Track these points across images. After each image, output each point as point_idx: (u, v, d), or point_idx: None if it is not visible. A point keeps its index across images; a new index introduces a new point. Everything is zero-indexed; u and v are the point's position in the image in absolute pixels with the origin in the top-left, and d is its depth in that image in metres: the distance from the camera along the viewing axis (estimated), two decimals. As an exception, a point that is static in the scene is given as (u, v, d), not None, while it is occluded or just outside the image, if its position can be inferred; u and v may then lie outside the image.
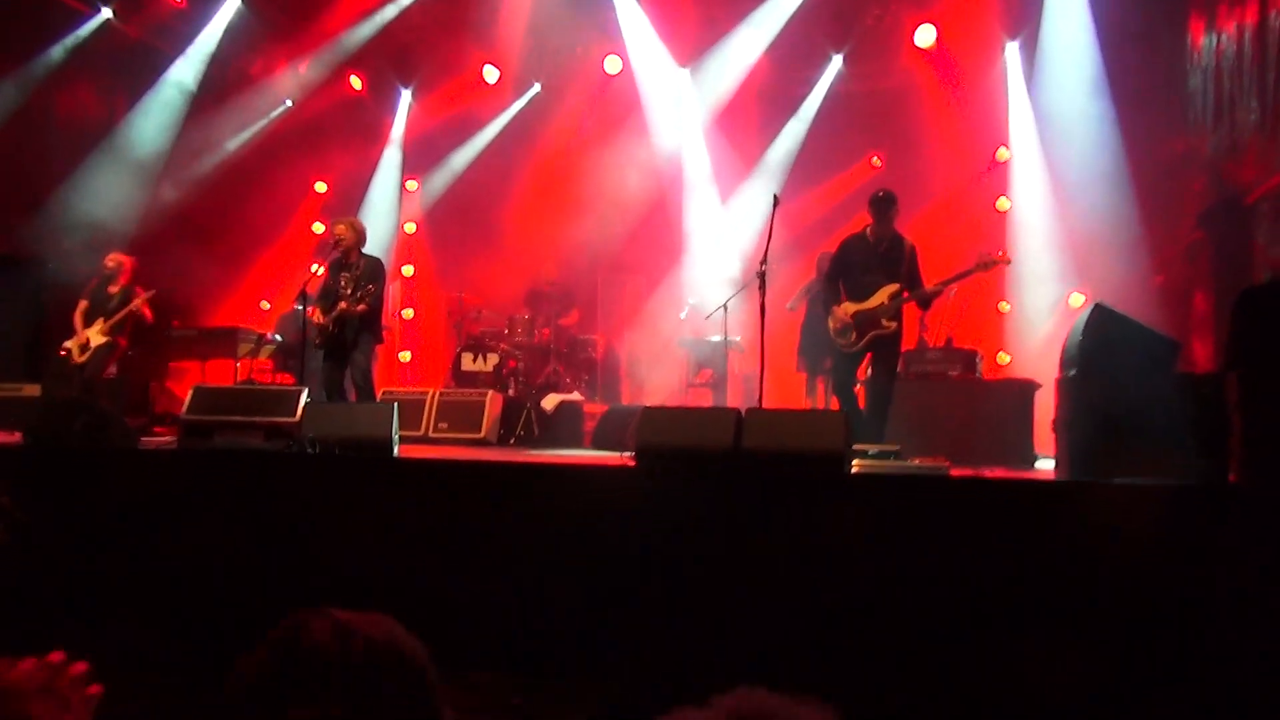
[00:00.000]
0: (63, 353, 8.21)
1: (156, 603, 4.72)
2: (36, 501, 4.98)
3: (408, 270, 12.38)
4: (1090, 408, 4.34)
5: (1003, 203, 10.42)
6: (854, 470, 4.65)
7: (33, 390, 7.94)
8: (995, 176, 10.48)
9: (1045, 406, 6.47)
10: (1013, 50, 10.21)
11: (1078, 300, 9.50)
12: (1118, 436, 4.17)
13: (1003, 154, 10.43)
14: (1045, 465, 6.32)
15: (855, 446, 4.80)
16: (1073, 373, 4.51)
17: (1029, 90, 10.08)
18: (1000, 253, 6.43)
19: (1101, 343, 4.39)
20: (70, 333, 8.27)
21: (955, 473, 4.78)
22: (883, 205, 6.31)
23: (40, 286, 9.11)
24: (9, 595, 4.74)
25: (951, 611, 3.94)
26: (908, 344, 8.45)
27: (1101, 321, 4.45)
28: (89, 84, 10.76)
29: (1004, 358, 9.89)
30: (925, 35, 9.93)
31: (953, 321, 8.47)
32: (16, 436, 5.83)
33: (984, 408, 6.78)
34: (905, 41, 10.15)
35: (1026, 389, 6.87)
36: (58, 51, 10.08)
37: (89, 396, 7.71)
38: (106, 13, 10.42)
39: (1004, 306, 10.26)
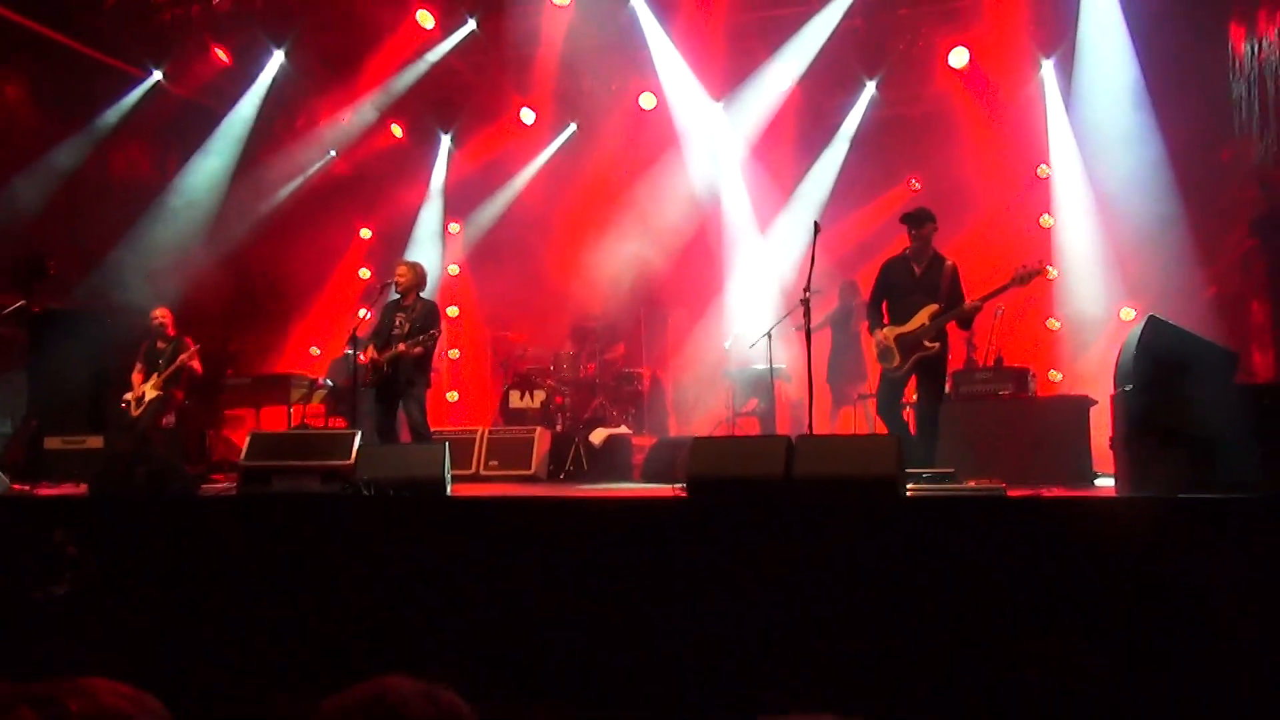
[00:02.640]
0: (122, 405, 8.44)
1: (221, 646, 4.78)
2: (102, 550, 5.10)
3: (452, 311, 12.55)
4: (1149, 422, 4.26)
5: (1046, 220, 10.33)
6: (908, 495, 4.60)
7: (96, 442, 8.14)
8: (1037, 193, 10.40)
9: (1101, 423, 6.37)
10: (1048, 68, 10.16)
11: (1129, 314, 9.36)
12: (1179, 451, 4.08)
13: (1043, 171, 10.36)
14: (1105, 483, 6.20)
15: (908, 470, 4.74)
16: (1129, 387, 4.43)
17: (1067, 106, 10.02)
18: (1038, 263, 6.28)
19: (1157, 356, 4.32)
20: (129, 386, 8.50)
21: (1012, 493, 4.71)
22: (915, 220, 6.31)
23: (100, 341, 9.35)
24: (76, 642, 4.85)
25: (1016, 636, 3.86)
26: (956, 364, 8.39)
27: (1156, 334, 4.38)
28: (141, 144, 11.16)
29: (1055, 375, 9.76)
30: (959, 57, 9.91)
31: (1001, 340, 8.37)
32: (83, 488, 5.98)
33: (1039, 427, 6.66)
34: (939, 64, 10.14)
35: (1081, 405, 6.75)
36: (112, 114, 10.46)
37: (147, 447, 7.90)
38: (157, 75, 10.80)
39: (1053, 324, 10.13)
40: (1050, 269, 10.12)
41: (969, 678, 3.87)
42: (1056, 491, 5.31)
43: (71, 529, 5.13)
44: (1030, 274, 6.14)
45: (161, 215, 10.76)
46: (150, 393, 8.37)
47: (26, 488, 6.56)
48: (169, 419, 8.60)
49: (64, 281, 9.63)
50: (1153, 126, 9.10)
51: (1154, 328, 4.43)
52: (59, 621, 4.95)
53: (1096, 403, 6.74)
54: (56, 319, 9.41)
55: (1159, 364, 4.31)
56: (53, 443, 8.29)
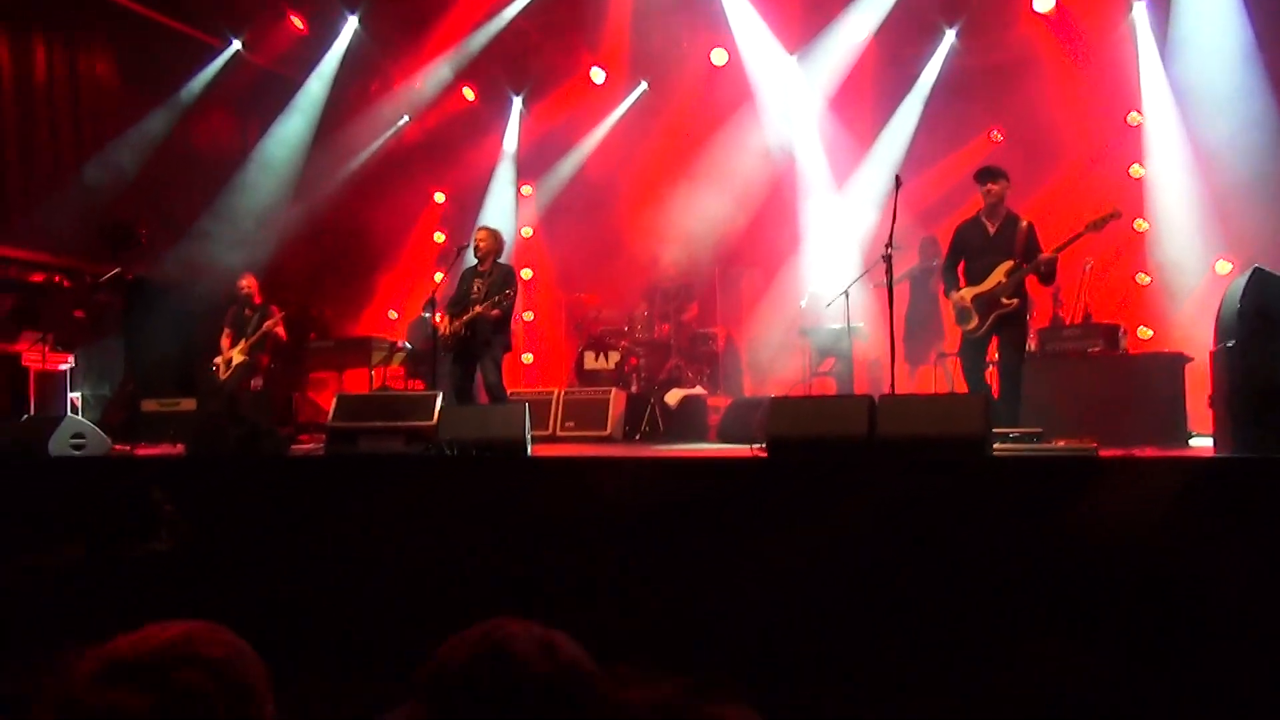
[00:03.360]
0: (211, 369, 8.71)
1: (313, 603, 4.94)
2: (198, 509, 5.30)
3: (526, 274, 12.61)
4: (1252, 379, 4.08)
5: (1136, 169, 9.91)
6: (995, 454, 4.49)
7: (189, 404, 8.45)
8: (1127, 142, 9.98)
9: (1196, 381, 6.14)
10: (1140, 9, 9.70)
11: (1225, 268, 8.96)
12: (1284, 409, 3.91)
13: (1134, 118, 9.92)
14: (1200, 443, 5.99)
15: (995, 430, 4.64)
16: (1231, 343, 4.24)
17: (1161, 50, 9.55)
18: (1110, 207, 6.06)
19: (1262, 309, 4.13)
20: (218, 350, 8.77)
21: (1104, 453, 4.57)
22: (989, 175, 6.21)
23: (189, 307, 9.67)
24: (174, 599, 5.05)
25: (1111, 600, 3.77)
26: (1041, 321, 8.16)
27: (1261, 287, 4.18)
28: (223, 113, 11.42)
29: (1145, 332, 9.42)
30: (1044, 1, 9.52)
31: (1090, 296, 8.09)
32: (179, 448, 6.21)
33: (1130, 385, 6.43)
34: (1023, 9, 9.75)
35: (1176, 363, 6.50)
36: (195, 85, 10.70)
37: (236, 409, 8.16)
38: (236, 44, 11.00)
39: (1143, 278, 9.76)
40: (1140, 221, 9.78)
41: (1061, 640, 3.80)
42: (1150, 452, 5.15)
43: (167, 488, 5.34)
44: (1104, 219, 5.98)
45: (243, 183, 11.01)
46: (237, 357, 8.62)
47: (126, 448, 6.83)
48: (256, 382, 8.86)
49: (154, 249, 9.94)
50: (1256, 69, 8.64)
51: (1259, 280, 4.22)
52: (158, 577, 5.16)
53: (1192, 359, 6.50)
54: (148, 286, 9.76)
55: (1264, 318, 4.11)
56: (149, 405, 8.63)
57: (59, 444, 5.92)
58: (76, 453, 5.98)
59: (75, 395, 9.31)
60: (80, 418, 7.18)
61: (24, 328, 8.83)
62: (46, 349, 8.53)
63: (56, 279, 9.83)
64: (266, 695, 1.26)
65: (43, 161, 9.80)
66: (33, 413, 8.34)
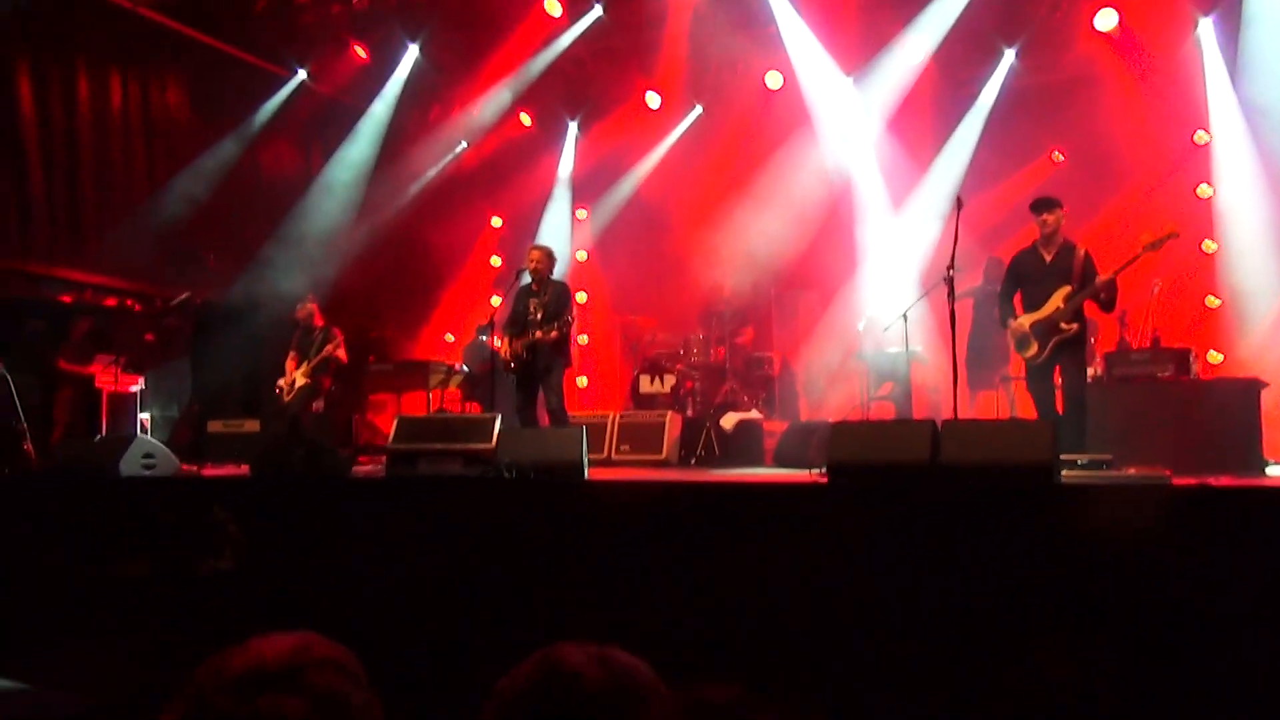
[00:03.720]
0: (276, 391, 8.88)
1: (372, 623, 4.99)
2: (263, 528, 5.39)
3: (581, 297, 12.69)
4: (1335, 407, 3.93)
5: (1204, 189, 9.68)
6: (1064, 481, 4.38)
7: (253, 426, 8.62)
8: (1194, 162, 9.75)
9: (1271, 408, 5.95)
10: (1206, 26, 9.49)
11: (1300, 290, 8.69)
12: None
13: (1201, 137, 9.70)
14: (1278, 471, 5.79)
15: (1063, 456, 4.53)
16: (1311, 369, 4.10)
17: (1229, 68, 9.33)
18: (1166, 227, 5.93)
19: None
20: (283, 373, 8.94)
21: (1178, 481, 4.43)
22: (1039, 207, 6.20)
23: (254, 330, 9.90)
24: (239, 616, 5.14)
25: (1188, 632, 3.64)
26: (1108, 345, 7.97)
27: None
28: (288, 141, 11.74)
29: (1215, 356, 9.16)
30: (1106, 19, 9.38)
31: (1158, 319, 7.89)
32: (244, 468, 6.33)
33: (1203, 411, 6.23)
34: (1084, 27, 9.62)
35: (1251, 389, 6.29)
36: (262, 114, 11.02)
37: (299, 431, 8.30)
38: (302, 74, 11.31)
39: (1213, 301, 9.51)
40: (1209, 242, 9.54)
41: (1133, 673, 3.68)
42: (1226, 481, 4.98)
43: (232, 508, 5.44)
44: (1161, 240, 5.88)
45: (307, 209, 11.28)
46: (300, 380, 8.77)
47: (194, 468, 6.99)
48: (318, 404, 9.01)
49: (221, 274, 10.22)
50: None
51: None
52: (223, 594, 5.26)
53: (1268, 385, 6.29)
54: (215, 310, 10.02)
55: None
56: (214, 426, 8.82)
57: (130, 464, 6.08)
58: (147, 472, 6.14)
59: (145, 416, 9.57)
60: (150, 438, 7.36)
61: (97, 350, 9.12)
62: (118, 371, 8.79)
63: (128, 303, 10.15)
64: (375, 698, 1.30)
65: (116, 189, 10.15)
66: (105, 432, 8.59)
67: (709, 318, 9.89)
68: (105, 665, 4.95)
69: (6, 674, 4.77)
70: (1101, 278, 5.95)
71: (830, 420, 7.41)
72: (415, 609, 4.89)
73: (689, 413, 9.11)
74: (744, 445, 8.38)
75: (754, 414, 8.86)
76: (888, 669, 4.04)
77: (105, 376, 8.92)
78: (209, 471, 6.89)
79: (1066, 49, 10.06)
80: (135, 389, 9.29)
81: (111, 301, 10.18)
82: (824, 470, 4.65)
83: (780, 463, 7.45)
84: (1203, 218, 9.59)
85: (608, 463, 8.20)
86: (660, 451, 8.20)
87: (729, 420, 8.48)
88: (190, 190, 10.33)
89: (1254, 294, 9.11)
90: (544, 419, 7.34)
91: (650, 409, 9.03)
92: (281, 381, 8.85)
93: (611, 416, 8.63)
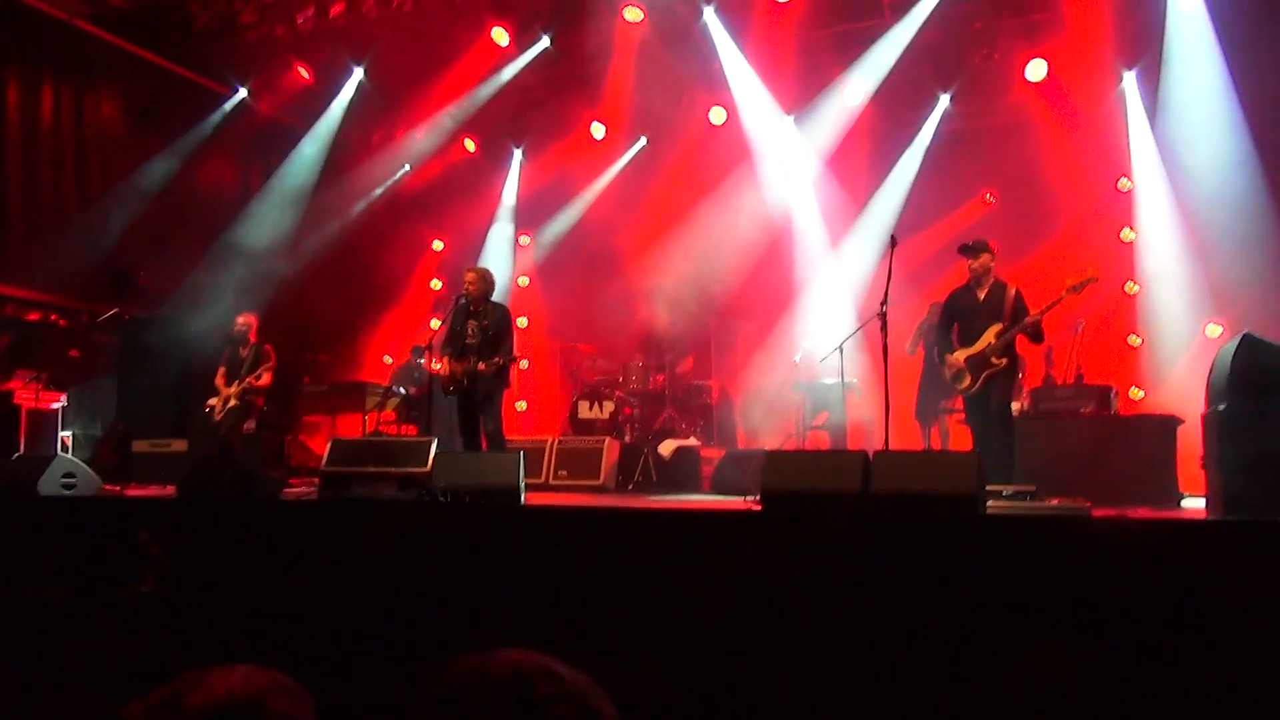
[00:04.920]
0: (206, 409, 8.66)
1: (301, 647, 4.89)
2: (188, 551, 5.26)
3: (522, 322, 12.68)
4: (1243, 442, 4.12)
5: (1127, 233, 10.08)
6: (989, 512, 4.51)
7: (180, 445, 8.40)
8: (1118, 207, 10.16)
9: (1188, 443, 6.18)
10: (1130, 79, 9.93)
11: (1215, 331, 9.07)
12: (1274, 472, 3.95)
13: (1124, 184, 10.12)
14: (1191, 504, 6.01)
15: (989, 487, 4.65)
16: (1222, 406, 4.29)
17: (1150, 118, 9.77)
18: (1087, 271, 6.25)
19: (1252, 374, 4.18)
20: (213, 391, 8.72)
21: (1097, 513, 4.59)
22: (971, 251, 6.55)
23: (184, 348, 9.67)
24: (159, 642, 5.00)
25: (1102, 662, 3.76)
26: (1034, 381, 8.22)
27: (1251, 351, 4.24)
28: (227, 159, 11.56)
29: (1137, 393, 9.50)
30: (1036, 70, 9.74)
31: (1082, 357, 8.17)
32: (169, 489, 6.18)
33: (1123, 446, 6.48)
34: (1015, 77, 9.97)
35: (1168, 425, 6.55)
36: (200, 131, 10.86)
37: (231, 452, 8.13)
38: (243, 92, 11.18)
39: (1134, 340, 9.87)
40: (1131, 284, 9.92)
41: (1051, 702, 3.78)
42: (1143, 513, 5.17)
43: (157, 530, 5.30)
44: (1082, 283, 6.22)
45: (244, 228, 11.10)
46: (232, 400, 8.58)
47: (117, 488, 6.79)
48: (249, 424, 8.83)
49: (153, 291, 9.99)
50: (1244, 141, 8.84)
51: (1250, 346, 4.28)
52: (144, 618, 5.11)
53: (1183, 421, 6.54)
54: (145, 327, 9.77)
55: (1255, 383, 4.17)
56: (140, 445, 8.59)
57: (49, 483, 5.90)
58: (67, 492, 5.96)
59: (66, 434, 9.28)
60: (71, 457, 7.15)
61: (18, 366, 8.83)
62: (39, 387, 8.52)
63: (53, 318, 9.85)
64: None
65: (45, 202, 9.89)
66: (23, 451, 8.31)
67: (649, 345, 9.96)
68: (20, 691, 4.77)
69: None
70: (1028, 318, 6.22)
71: (766, 448, 7.51)
72: (347, 634, 4.81)
73: (627, 439, 9.13)
74: (681, 472, 8.43)
75: (692, 441, 8.93)
76: (819, 693, 4.09)
77: (25, 393, 8.64)
78: (133, 492, 6.71)
79: (999, 96, 10.42)
80: (57, 406, 9.01)
81: (35, 316, 9.88)
82: (759, 498, 4.71)
83: (717, 489, 7.51)
84: (1125, 260, 9.98)
85: (545, 487, 8.18)
86: (598, 477, 8.21)
87: (667, 447, 8.53)
88: (123, 206, 10.11)
89: (1173, 334, 9.49)
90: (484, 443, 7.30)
91: (589, 434, 9.04)
92: (212, 400, 8.64)
93: (550, 441, 8.62)
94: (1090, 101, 10.12)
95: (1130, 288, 9.94)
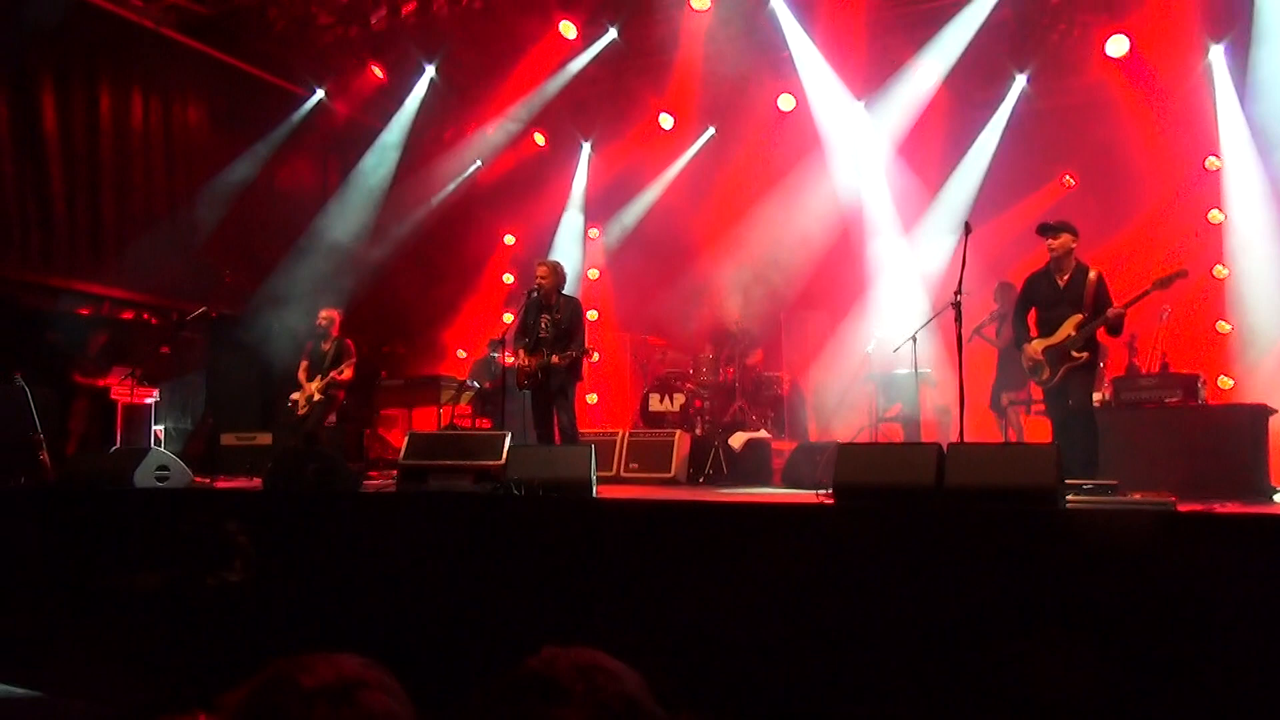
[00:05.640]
0: (289, 404, 8.93)
1: (379, 636, 5.03)
2: (273, 541, 5.45)
3: (592, 315, 12.75)
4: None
5: (1215, 215, 9.70)
6: (1068, 506, 4.41)
7: (265, 439, 8.69)
8: (1205, 187, 9.78)
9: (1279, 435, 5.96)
10: (1217, 53, 9.54)
11: (1311, 317, 8.69)
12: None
13: (1212, 163, 9.73)
14: (1285, 499, 5.80)
15: (1068, 481, 4.55)
16: (1316, 397, 4.12)
17: (1239, 94, 9.38)
18: (1176, 266, 5.97)
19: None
20: (296, 386, 8.98)
21: (1182, 508, 4.45)
22: (1051, 231, 6.20)
23: (268, 344, 9.99)
24: (249, 629, 5.19)
25: (1190, 660, 3.65)
26: (1117, 370, 7.97)
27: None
28: (306, 159, 11.88)
29: (1226, 382, 9.15)
30: (1118, 45, 9.42)
31: (1167, 345, 7.90)
32: (256, 481, 6.40)
33: (1210, 437, 6.23)
34: (1095, 53, 9.66)
35: (1259, 415, 6.30)
36: (280, 132, 11.17)
37: (315, 445, 8.36)
38: (320, 93, 11.47)
39: (1223, 326, 9.51)
40: (1220, 268, 9.55)
41: (1135, 695, 3.69)
42: (1232, 507, 4.99)
43: (244, 521, 5.50)
44: (1170, 278, 5.93)
45: (324, 226, 11.41)
46: (316, 394, 8.83)
47: (206, 481, 7.06)
48: (331, 418, 9.07)
49: (238, 289, 10.33)
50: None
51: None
52: (232, 607, 5.31)
53: (1276, 411, 6.30)
54: (231, 324, 10.12)
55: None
56: (227, 439, 8.90)
57: (144, 475, 6.15)
58: (161, 484, 6.21)
59: (159, 428, 9.66)
60: (164, 450, 7.45)
61: (114, 363, 9.23)
62: (134, 383, 8.88)
63: (145, 316, 10.27)
64: None
65: (136, 205, 10.30)
66: (119, 444, 8.68)
67: (719, 337, 9.94)
68: (117, 675, 5.01)
69: (21, 683, 4.83)
70: (1112, 309, 5.95)
71: (838, 441, 7.44)
72: (423, 623, 4.94)
73: (698, 432, 9.15)
74: (752, 465, 8.41)
75: (762, 434, 8.89)
76: (890, 688, 4.06)
77: (121, 389, 9.03)
78: (222, 484, 6.96)
79: (1078, 74, 10.11)
80: (150, 401, 9.39)
81: (129, 315, 10.31)
82: (830, 491, 4.68)
83: (788, 483, 7.48)
84: (1214, 243, 9.62)
85: (616, 480, 8.24)
86: (669, 470, 8.24)
87: (737, 439, 8.52)
88: (209, 207, 10.48)
89: (1264, 320, 9.11)
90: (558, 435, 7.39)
91: (659, 427, 9.07)
92: (295, 395, 8.89)
93: (621, 434, 8.68)
94: (1175, 78, 9.74)
95: (1219, 272, 9.57)
